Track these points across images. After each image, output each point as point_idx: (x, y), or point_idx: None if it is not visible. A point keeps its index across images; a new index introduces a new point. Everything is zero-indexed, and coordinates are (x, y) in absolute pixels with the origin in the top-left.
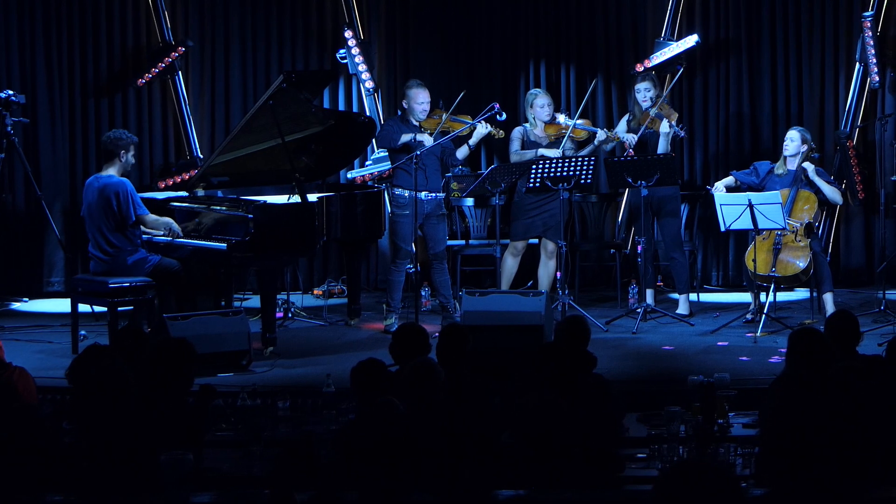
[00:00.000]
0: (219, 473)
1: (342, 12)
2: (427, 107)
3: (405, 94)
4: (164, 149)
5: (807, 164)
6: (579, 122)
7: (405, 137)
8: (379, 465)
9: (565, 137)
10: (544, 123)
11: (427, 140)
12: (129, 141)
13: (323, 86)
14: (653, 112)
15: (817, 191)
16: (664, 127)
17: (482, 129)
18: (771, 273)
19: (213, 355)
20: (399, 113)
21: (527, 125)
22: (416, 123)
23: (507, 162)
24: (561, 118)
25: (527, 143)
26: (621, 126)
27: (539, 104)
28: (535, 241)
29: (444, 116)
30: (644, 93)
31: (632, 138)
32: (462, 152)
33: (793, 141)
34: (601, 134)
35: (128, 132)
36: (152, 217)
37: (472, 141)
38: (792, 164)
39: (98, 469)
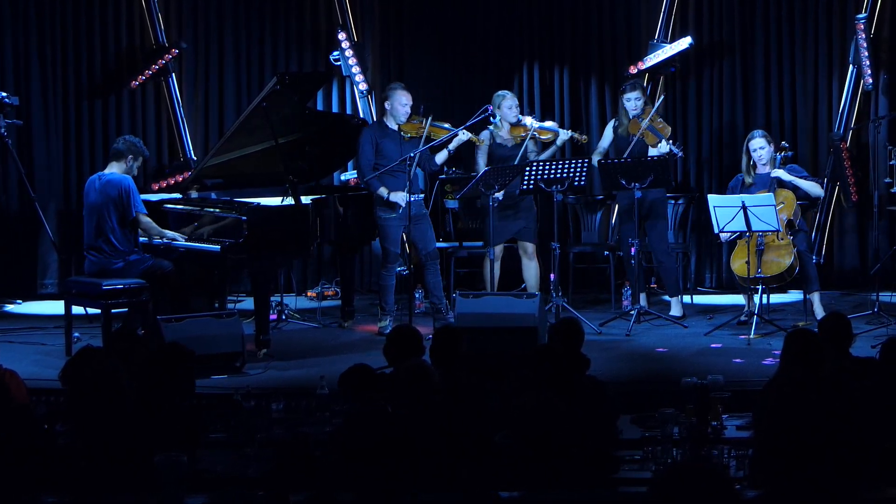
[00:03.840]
0: (213, 475)
1: (336, 14)
2: (409, 109)
3: (387, 97)
4: (157, 150)
5: (776, 172)
6: (545, 123)
7: (382, 193)
8: (375, 465)
9: (527, 138)
10: (510, 125)
11: (400, 198)
12: (141, 151)
13: (317, 88)
14: (644, 124)
15: (795, 189)
16: (662, 146)
17: (463, 136)
18: (757, 275)
19: (207, 357)
20: (372, 121)
21: (491, 128)
22: (396, 127)
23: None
24: (527, 120)
25: (493, 146)
26: (607, 132)
27: (507, 105)
28: (511, 244)
29: (425, 122)
30: (634, 101)
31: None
32: (441, 157)
33: (763, 149)
34: (563, 134)
35: (143, 144)
36: (149, 220)
37: (452, 146)
38: (762, 169)
39: (93, 470)
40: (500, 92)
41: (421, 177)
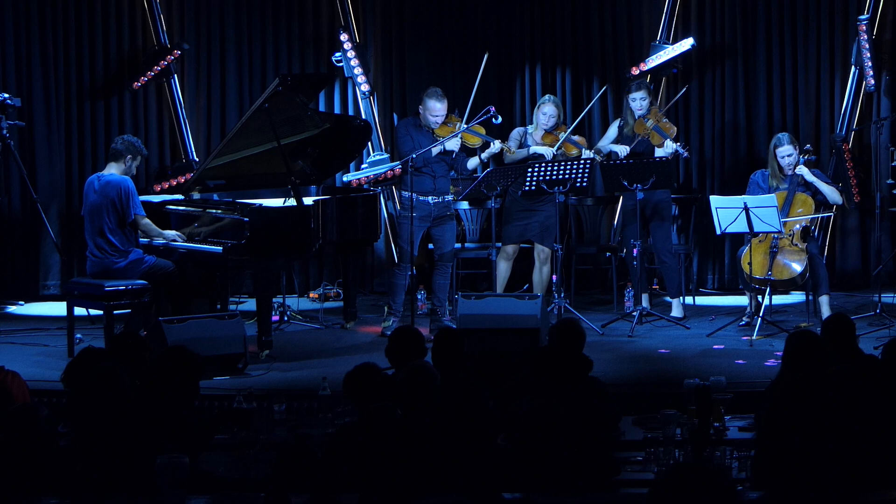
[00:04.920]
0: (215, 477)
1: (338, 15)
2: (441, 119)
3: (422, 101)
4: (159, 152)
5: (800, 170)
6: (573, 137)
7: (436, 149)
8: (377, 467)
9: (555, 147)
10: (544, 131)
11: (454, 144)
12: (139, 151)
13: (319, 89)
14: (650, 124)
15: (815, 192)
16: (667, 146)
17: (495, 147)
18: (767, 276)
19: (208, 358)
20: (413, 118)
21: (529, 127)
22: (430, 130)
23: (501, 162)
24: (559, 130)
25: (523, 146)
26: (612, 131)
27: (544, 111)
28: (527, 245)
29: (459, 126)
30: (640, 101)
31: (623, 150)
32: (472, 163)
33: (790, 155)
34: (585, 154)
35: (142, 143)
36: (147, 222)
37: (485, 155)
38: (789, 171)
39: (94, 472)
40: (545, 96)
41: (447, 180)
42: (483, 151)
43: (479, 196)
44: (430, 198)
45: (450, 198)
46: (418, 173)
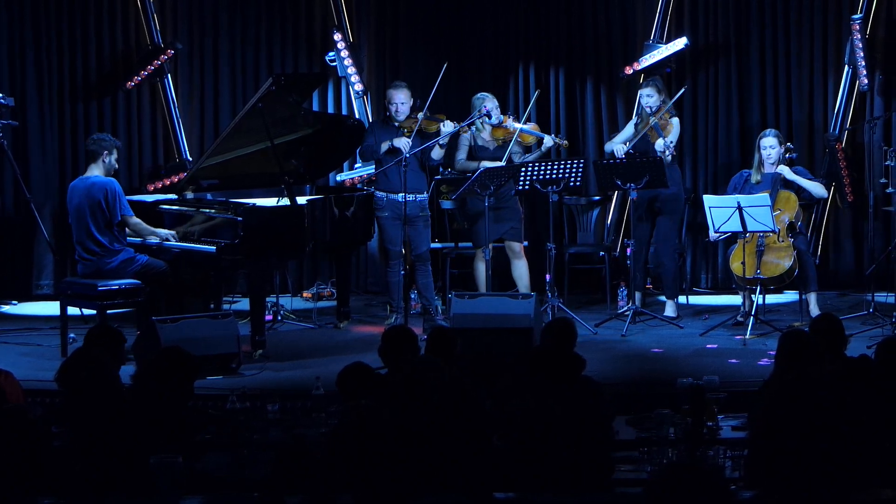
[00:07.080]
0: (211, 477)
1: (331, 15)
2: (405, 108)
3: (386, 96)
4: (153, 151)
5: (781, 169)
6: (526, 126)
7: (384, 146)
8: (373, 467)
9: (512, 141)
10: (492, 127)
11: (403, 143)
12: (111, 143)
13: (312, 89)
14: (653, 121)
15: (798, 190)
16: (658, 144)
17: (448, 127)
18: (756, 275)
19: (202, 358)
20: (381, 115)
21: (473, 129)
22: (397, 124)
23: (451, 164)
24: (508, 122)
25: (474, 148)
26: (627, 129)
27: (488, 108)
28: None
29: (419, 116)
30: (646, 98)
31: (621, 149)
32: (436, 153)
33: (773, 148)
34: (548, 140)
35: (111, 136)
36: (137, 220)
37: (442, 140)
38: (770, 168)
39: (88, 472)
40: (479, 94)
41: (420, 177)
42: (440, 138)
43: (473, 195)
44: (399, 196)
45: (423, 197)
46: (386, 173)
